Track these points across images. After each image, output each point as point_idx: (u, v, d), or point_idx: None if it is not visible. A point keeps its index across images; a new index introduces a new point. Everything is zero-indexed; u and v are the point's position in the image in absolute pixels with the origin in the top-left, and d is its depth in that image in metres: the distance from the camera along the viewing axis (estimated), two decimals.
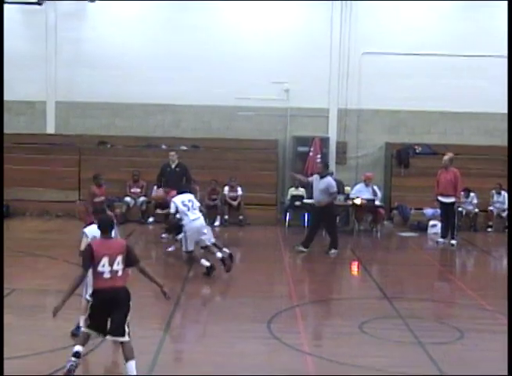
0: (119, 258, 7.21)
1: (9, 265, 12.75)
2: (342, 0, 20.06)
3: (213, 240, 13.19)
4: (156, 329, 9.30)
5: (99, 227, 7.53)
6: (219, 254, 12.78)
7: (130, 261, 7.35)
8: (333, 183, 15.04)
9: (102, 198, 14.02)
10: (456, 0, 20.05)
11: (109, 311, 7.18)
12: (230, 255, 12.98)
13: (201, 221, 12.90)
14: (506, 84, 17.69)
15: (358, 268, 14.48)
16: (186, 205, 12.89)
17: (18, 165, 19.05)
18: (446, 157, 16.59)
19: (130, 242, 14.42)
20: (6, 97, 20.00)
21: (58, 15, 20.16)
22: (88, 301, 7.77)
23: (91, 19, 20.36)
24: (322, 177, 14.98)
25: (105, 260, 7.12)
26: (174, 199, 13.12)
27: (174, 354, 8.38)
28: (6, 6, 18.12)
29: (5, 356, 6.49)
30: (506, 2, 18.06)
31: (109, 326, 7.22)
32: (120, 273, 7.22)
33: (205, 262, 12.47)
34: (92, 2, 19.89)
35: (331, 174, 17.63)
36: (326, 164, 15.91)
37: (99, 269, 7.13)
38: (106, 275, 7.13)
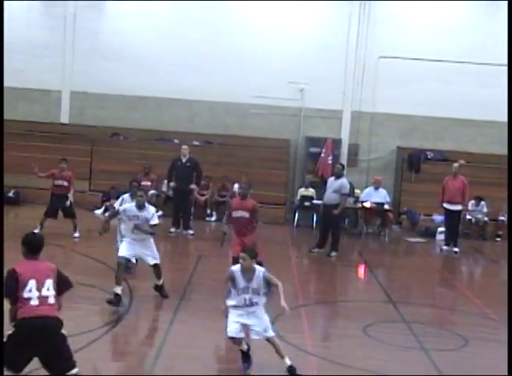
0: (48, 283, 6.22)
1: (17, 253, 12.85)
2: (361, 2, 20.06)
3: None
4: (162, 322, 9.35)
5: (26, 246, 6.59)
6: None
7: (62, 286, 6.37)
8: (347, 184, 15.17)
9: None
10: (472, 8, 20.05)
11: (36, 346, 6.00)
12: None
13: None
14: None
15: (364, 271, 14.49)
16: None
17: (30, 153, 19.11)
18: (456, 164, 16.55)
19: None
20: (22, 85, 20.13)
21: (77, 5, 20.24)
22: None
23: (110, 11, 20.43)
24: (337, 177, 15.09)
25: (32, 284, 6.11)
26: None
27: (178, 348, 8.41)
28: None
29: None
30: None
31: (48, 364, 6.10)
32: (51, 300, 6.17)
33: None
34: None
35: (342, 176, 17.66)
36: (342, 166, 15.95)
37: (25, 295, 6.07)
38: (34, 301, 6.08)
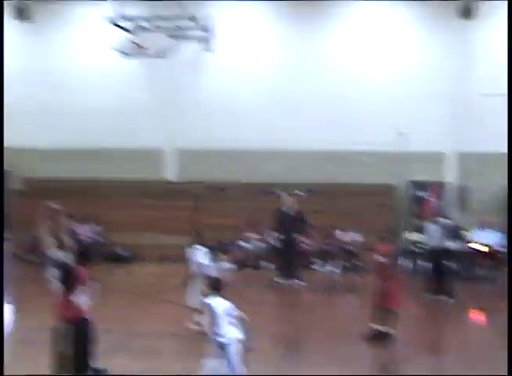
0: None
1: (129, 308, 13.17)
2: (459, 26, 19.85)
3: None
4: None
5: None
6: None
7: None
8: (449, 226, 14.99)
9: None
10: None
11: None
12: None
13: None
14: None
15: (482, 317, 13.85)
16: None
17: (139, 210, 19.70)
18: None
19: (244, 286, 14.58)
20: (130, 146, 20.86)
21: (176, 65, 20.86)
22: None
23: (209, 69, 20.90)
24: (437, 221, 15.00)
25: None
26: None
27: None
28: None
29: None
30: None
31: None
32: None
33: None
34: (211, 52, 20.52)
35: (449, 219, 17.21)
36: (442, 209, 15.68)
37: None
38: None
